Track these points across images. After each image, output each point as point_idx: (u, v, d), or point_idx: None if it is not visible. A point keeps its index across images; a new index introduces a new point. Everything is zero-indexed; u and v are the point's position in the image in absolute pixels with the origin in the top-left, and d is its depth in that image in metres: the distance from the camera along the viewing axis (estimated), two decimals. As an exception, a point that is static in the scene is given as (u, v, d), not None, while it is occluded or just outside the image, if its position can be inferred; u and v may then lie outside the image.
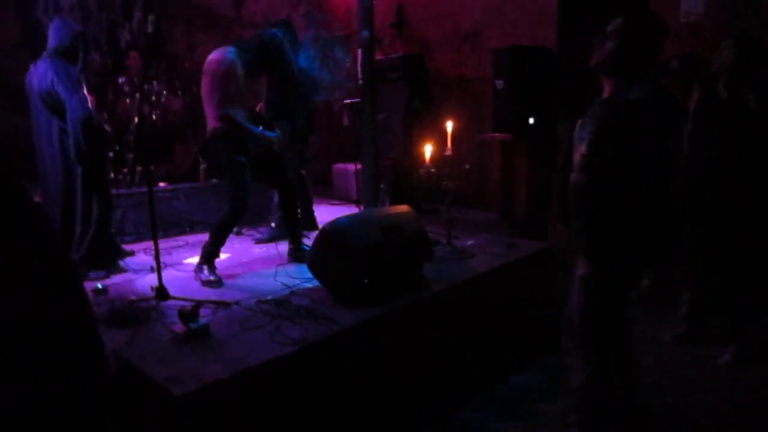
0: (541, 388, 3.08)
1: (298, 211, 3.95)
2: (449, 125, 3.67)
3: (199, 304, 2.69)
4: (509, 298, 3.55)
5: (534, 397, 3.00)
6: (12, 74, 4.60)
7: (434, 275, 3.26)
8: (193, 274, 3.42)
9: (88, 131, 3.39)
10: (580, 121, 2.13)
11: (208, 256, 3.39)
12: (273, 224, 4.52)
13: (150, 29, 3.19)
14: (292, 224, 3.85)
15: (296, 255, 3.81)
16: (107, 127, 3.91)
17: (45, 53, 3.46)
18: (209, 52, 3.47)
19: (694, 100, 3.23)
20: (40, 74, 3.42)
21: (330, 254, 2.90)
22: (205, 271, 3.34)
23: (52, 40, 3.46)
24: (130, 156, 4.95)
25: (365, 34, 4.11)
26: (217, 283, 3.28)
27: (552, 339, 3.18)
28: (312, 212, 4.82)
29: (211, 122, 3.45)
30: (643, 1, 4.43)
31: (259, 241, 4.41)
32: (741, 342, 3.23)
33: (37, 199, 3.52)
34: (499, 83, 5.00)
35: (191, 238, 4.53)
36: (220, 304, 2.94)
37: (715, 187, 3.19)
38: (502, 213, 5.25)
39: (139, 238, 4.44)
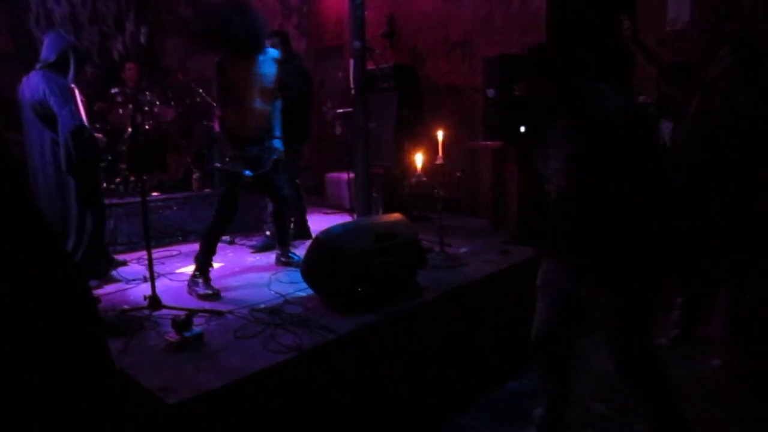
0: (535, 394, 3.09)
1: (291, 219, 3.99)
2: (440, 134, 3.71)
3: (192, 313, 2.69)
4: (503, 304, 3.58)
5: (528, 403, 3.01)
6: (3, 86, 4.60)
7: (428, 282, 3.28)
8: (187, 287, 3.39)
9: (79, 142, 3.40)
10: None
11: (202, 266, 3.39)
12: (267, 233, 4.53)
13: (143, 41, 3.21)
14: (282, 231, 3.93)
15: (284, 261, 3.91)
16: (100, 137, 3.91)
17: (37, 65, 3.48)
18: (200, 63, 3.50)
19: (692, 106, 3.28)
20: (32, 86, 3.43)
21: (323, 262, 2.91)
22: (201, 285, 3.31)
23: (45, 52, 3.48)
24: (123, 166, 4.96)
25: (357, 44, 4.14)
26: (215, 296, 3.25)
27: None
28: (305, 221, 4.84)
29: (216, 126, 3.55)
30: (629, 8, 4.49)
31: (254, 250, 4.43)
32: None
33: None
34: (490, 92, 5.05)
35: (184, 248, 4.53)
36: (213, 313, 2.94)
37: (708, 192, 3.24)
38: (494, 220, 5.28)
39: (131, 248, 4.44)
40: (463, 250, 4.09)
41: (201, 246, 3.45)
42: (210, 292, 3.27)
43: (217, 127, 3.54)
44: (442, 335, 3.11)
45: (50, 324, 0.77)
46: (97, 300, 3.16)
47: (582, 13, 5.04)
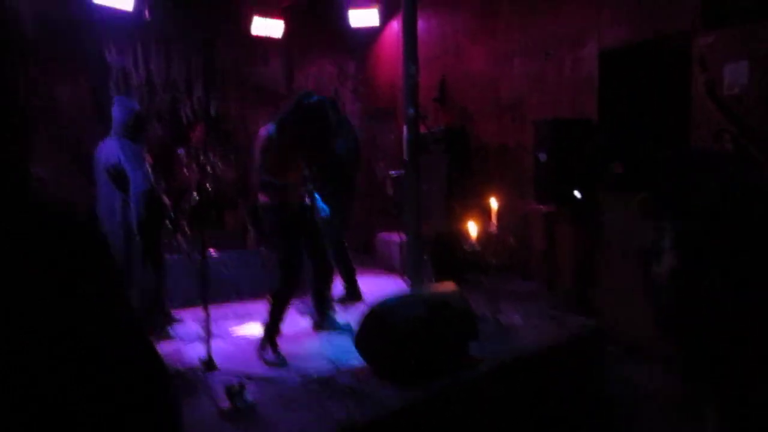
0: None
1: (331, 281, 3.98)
2: (494, 202, 3.71)
3: (245, 380, 2.73)
4: (557, 377, 3.46)
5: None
6: (84, 144, 4.96)
7: (480, 353, 3.22)
8: (256, 352, 3.41)
9: (149, 202, 3.63)
10: None
11: (270, 334, 3.40)
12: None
13: (212, 110, 3.44)
14: (322, 294, 3.91)
15: (320, 324, 3.91)
16: (165, 199, 4.13)
17: (112, 131, 3.76)
18: (261, 126, 3.67)
19: None
20: (108, 151, 3.70)
21: (377, 335, 2.92)
22: (270, 352, 3.34)
23: (115, 119, 3.77)
24: (184, 223, 5.16)
25: (410, 112, 4.26)
26: (281, 363, 3.26)
27: (600, 421, 3.08)
28: (355, 282, 4.86)
29: (260, 196, 3.57)
30: (682, 78, 4.45)
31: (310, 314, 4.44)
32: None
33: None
34: (542, 156, 5.05)
35: (238, 307, 4.62)
36: (266, 380, 2.97)
37: None
38: (546, 284, 5.18)
39: (187, 305, 4.55)
40: (515, 317, 4.01)
41: (269, 315, 3.44)
42: (276, 360, 3.28)
43: (262, 198, 3.55)
44: (494, 408, 3.02)
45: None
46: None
47: (633, 76, 5.03)
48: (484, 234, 3.74)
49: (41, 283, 0.71)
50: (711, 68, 4.92)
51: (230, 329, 3.98)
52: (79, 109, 5.49)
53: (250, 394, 2.68)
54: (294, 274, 3.47)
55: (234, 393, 2.54)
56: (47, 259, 0.71)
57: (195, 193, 5.06)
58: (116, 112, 3.81)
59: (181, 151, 5.36)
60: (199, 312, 3.28)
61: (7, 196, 0.72)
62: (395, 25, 6.99)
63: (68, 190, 4.77)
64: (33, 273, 0.70)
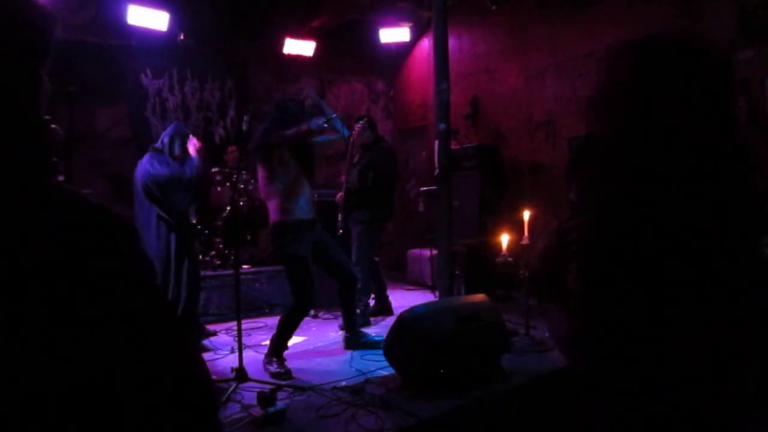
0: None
1: (371, 296, 3.94)
2: (526, 214, 3.68)
3: (277, 388, 2.74)
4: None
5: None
6: (121, 166, 5.12)
7: (512, 367, 3.16)
8: (262, 365, 3.40)
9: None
10: None
11: (276, 348, 3.40)
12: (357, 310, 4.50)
13: (245, 127, 3.51)
14: (349, 312, 3.83)
15: (350, 343, 3.82)
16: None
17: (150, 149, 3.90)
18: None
19: None
20: (142, 167, 3.82)
21: (406, 342, 2.90)
22: (275, 364, 3.33)
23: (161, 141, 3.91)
24: (218, 240, 5.27)
25: (442, 126, 4.28)
26: (286, 374, 3.26)
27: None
28: (386, 297, 4.86)
29: (271, 215, 3.54)
30: (743, 84, 4.28)
31: (341, 327, 4.43)
32: None
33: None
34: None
35: (270, 320, 4.66)
36: (297, 389, 2.97)
37: None
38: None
39: (221, 319, 4.62)
40: (546, 333, 3.93)
41: (277, 330, 3.41)
42: (282, 370, 3.28)
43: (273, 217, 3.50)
44: (525, 423, 2.94)
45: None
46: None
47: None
48: (516, 246, 3.70)
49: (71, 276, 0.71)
50: (753, 84, 4.83)
51: (263, 342, 4.01)
52: (118, 133, 5.68)
53: (280, 400, 2.70)
54: (307, 295, 3.40)
55: (265, 399, 2.55)
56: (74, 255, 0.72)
57: (228, 209, 5.16)
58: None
59: (215, 170, 5.49)
60: (233, 326, 3.31)
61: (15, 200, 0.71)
62: (426, 44, 7.08)
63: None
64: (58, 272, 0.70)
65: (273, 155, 3.41)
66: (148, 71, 5.88)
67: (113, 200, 5.10)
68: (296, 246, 3.36)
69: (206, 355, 3.73)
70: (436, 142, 4.39)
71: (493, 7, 5.84)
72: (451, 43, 5.84)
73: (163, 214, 3.74)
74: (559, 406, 3.13)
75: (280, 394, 2.83)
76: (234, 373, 3.13)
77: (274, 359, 3.38)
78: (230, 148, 5.84)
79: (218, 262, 5.17)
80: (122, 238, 0.80)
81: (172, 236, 3.71)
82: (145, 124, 5.79)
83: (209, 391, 0.89)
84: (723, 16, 4.27)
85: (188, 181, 3.78)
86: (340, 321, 4.52)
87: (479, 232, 5.51)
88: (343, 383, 3.00)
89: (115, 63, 5.63)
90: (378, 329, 4.22)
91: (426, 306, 3.03)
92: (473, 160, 5.89)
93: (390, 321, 4.33)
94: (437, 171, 4.31)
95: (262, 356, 3.63)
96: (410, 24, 6.92)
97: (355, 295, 3.93)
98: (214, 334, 4.18)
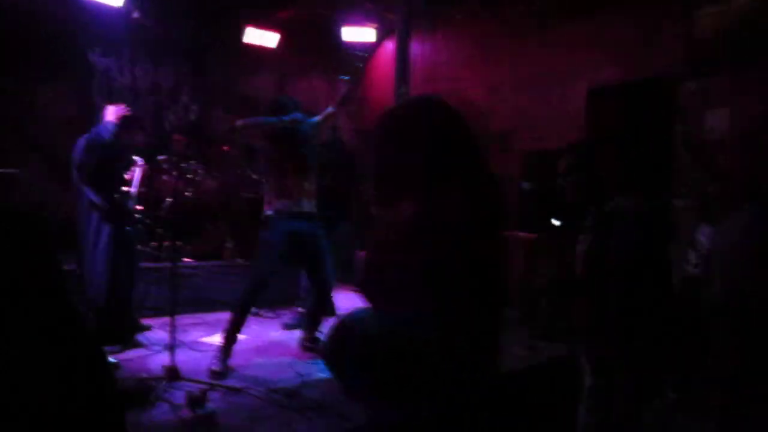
0: None
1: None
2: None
3: (209, 388, 2.65)
4: (532, 405, 3.40)
5: None
6: (61, 147, 4.86)
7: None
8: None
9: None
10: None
11: (228, 338, 3.32)
12: (300, 309, 4.45)
13: (193, 116, 3.39)
14: (314, 313, 3.83)
15: (308, 345, 3.76)
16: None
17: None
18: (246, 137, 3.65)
19: (745, 212, 3.20)
20: (77, 148, 3.62)
21: (343, 346, 2.84)
22: (218, 361, 3.23)
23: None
24: (160, 230, 5.07)
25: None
26: (223, 374, 3.16)
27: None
28: (330, 298, 4.78)
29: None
30: (666, 115, 4.51)
31: (286, 327, 4.35)
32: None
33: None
34: (525, 185, 5.09)
35: (210, 317, 4.52)
36: (230, 390, 2.88)
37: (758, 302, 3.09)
38: (523, 313, 5.14)
39: (159, 313, 4.44)
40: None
41: (231, 316, 3.38)
42: (220, 369, 3.18)
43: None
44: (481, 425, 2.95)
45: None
46: (115, 366, 3.14)
47: (620, 108, 5.10)
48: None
49: None
50: (693, 113, 5.04)
51: (200, 339, 3.88)
52: (60, 112, 5.36)
53: (214, 403, 2.61)
54: (261, 290, 3.46)
55: (195, 400, 2.46)
56: None
57: (168, 200, 4.98)
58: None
59: (162, 158, 5.27)
60: (169, 321, 3.19)
61: None
62: (390, 47, 7.05)
63: (43, 193, 4.66)
64: None
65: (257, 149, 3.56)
66: (97, 48, 5.61)
67: (50, 183, 4.84)
68: (268, 233, 3.46)
69: (138, 352, 3.58)
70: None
71: (458, 17, 5.88)
72: (415, 48, 5.83)
73: (94, 199, 3.54)
74: (495, 412, 3.15)
75: (214, 395, 2.73)
76: (165, 371, 3.01)
77: (221, 355, 3.27)
78: (175, 137, 5.59)
79: (159, 254, 4.97)
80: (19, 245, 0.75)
81: (105, 223, 3.53)
82: (90, 104, 5.51)
83: (113, 402, 0.85)
84: (676, 49, 4.44)
85: (109, 147, 3.56)
86: (283, 319, 4.45)
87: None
88: (279, 386, 2.93)
89: (61, 36, 5.29)
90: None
91: (367, 309, 2.98)
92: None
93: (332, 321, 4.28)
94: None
95: (198, 354, 3.52)
96: (376, 25, 6.89)
97: (325, 304, 3.88)
98: (149, 328, 4.02)
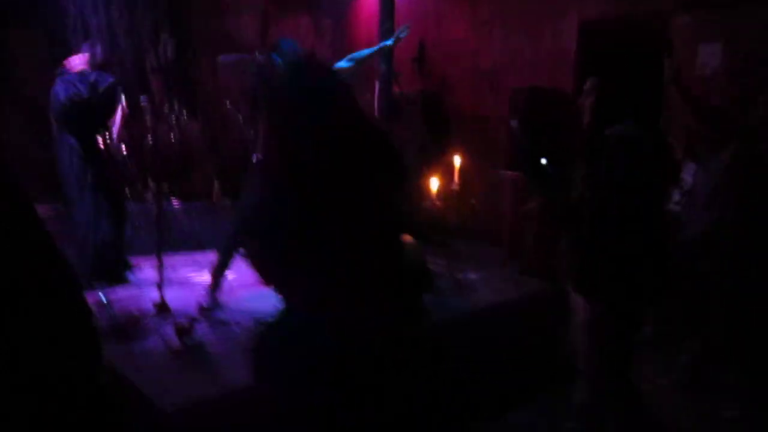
0: (533, 425, 3.03)
1: None
2: (457, 159, 3.71)
3: (195, 321, 2.72)
4: (509, 334, 3.52)
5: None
6: (35, 93, 4.76)
7: (434, 307, 3.24)
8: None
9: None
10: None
11: (216, 276, 3.39)
12: None
13: (169, 54, 3.34)
14: None
15: None
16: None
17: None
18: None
19: (729, 152, 3.23)
20: (52, 93, 3.57)
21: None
22: (208, 296, 3.32)
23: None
24: (144, 172, 5.04)
25: (383, 68, 4.21)
26: (210, 310, 3.22)
27: (548, 378, 3.15)
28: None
29: None
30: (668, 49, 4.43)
31: None
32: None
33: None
34: (514, 123, 5.05)
35: (199, 256, 4.57)
36: (218, 323, 2.96)
37: (736, 240, 3.17)
38: (511, 250, 5.22)
39: (148, 253, 4.49)
40: (473, 276, 4.05)
41: (218, 256, 3.43)
42: (208, 305, 3.25)
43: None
44: (444, 362, 3.06)
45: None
46: (108, 304, 3.21)
47: (611, 54, 5.03)
48: (446, 191, 3.74)
49: None
50: (686, 48, 4.97)
51: (188, 276, 3.95)
52: (34, 57, 5.21)
53: (202, 334, 2.68)
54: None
55: (182, 330, 2.53)
56: None
57: (149, 139, 4.93)
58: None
59: (143, 99, 5.18)
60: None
61: None
62: (375, -18, 6.84)
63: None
64: None
65: None
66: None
67: (26, 131, 4.77)
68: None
69: (129, 289, 3.65)
70: (377, 84, 4.32)
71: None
72: (400, -17, 5.66)
73: (74, 143, 3.53)
74: (475, 344, 3.26)
75: (202, 328, 2.81)
76: (156, 306, 3.08)
77: (210, 292, 3.34)
78: (154, 76, 5.46)
79: (145, 195, 4.97)
80: None
81: (88, 166, 3.53)
82: (64, 47, 5.34)
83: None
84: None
85: (87, 102, 3.53)
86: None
87: (418, 180, 5.52)
88: (267, 317, 3.00)
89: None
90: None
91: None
92: (416, 107, 5.85)
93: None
94: (377, 113, 4.27)
95: (188, 291, 3.59)
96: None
97: None
98: (136, 266, 4.07)
